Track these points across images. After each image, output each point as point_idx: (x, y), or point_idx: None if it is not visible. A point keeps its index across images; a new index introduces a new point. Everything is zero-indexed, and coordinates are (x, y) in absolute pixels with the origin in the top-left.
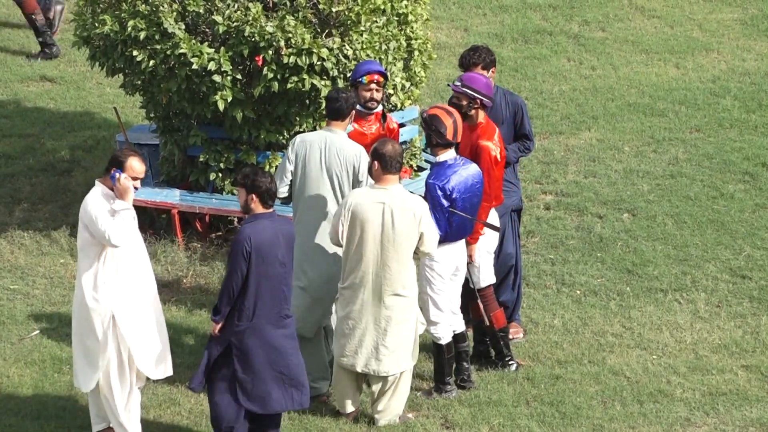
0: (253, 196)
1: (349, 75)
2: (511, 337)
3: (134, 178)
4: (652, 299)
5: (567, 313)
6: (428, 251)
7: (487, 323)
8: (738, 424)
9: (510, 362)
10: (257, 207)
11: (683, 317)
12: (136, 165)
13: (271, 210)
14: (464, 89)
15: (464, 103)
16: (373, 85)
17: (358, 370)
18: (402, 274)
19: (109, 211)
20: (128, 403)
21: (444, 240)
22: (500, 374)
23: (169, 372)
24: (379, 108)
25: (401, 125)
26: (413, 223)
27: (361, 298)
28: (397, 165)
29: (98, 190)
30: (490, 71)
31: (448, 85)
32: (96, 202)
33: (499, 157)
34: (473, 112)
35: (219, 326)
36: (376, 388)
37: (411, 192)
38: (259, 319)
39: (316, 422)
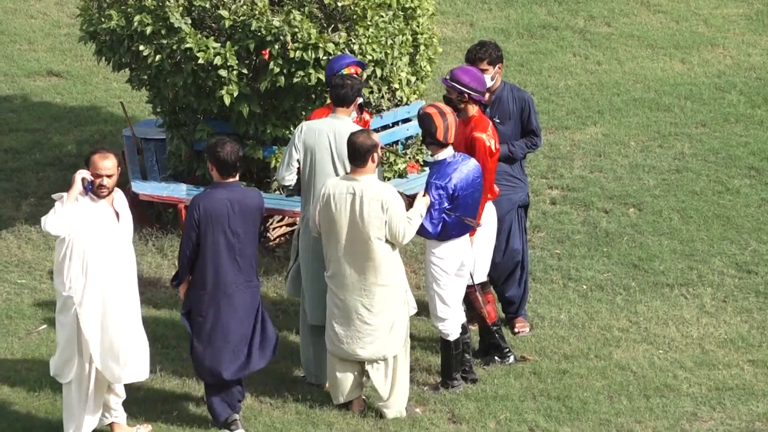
0: (211, 164)
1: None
2: (517, 331)
3: (98, 175)
4: (659, 294)
5: (573, 307)
6: (398, 240)
7: (485, 318)
8: (744, 419)
9: (508, 353)
10: (215, 176)
11: (689, 312)
12: (97, 161)
13: (230, 180)
14: (452, 83)
15: (453, 97)
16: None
17: (344, 356)
18: (377, 263)
19: (57, 204)
20: (80, 411)
21: (448, 237)
22: (507, 369)
23: (142, 377)
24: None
25: (407, 120)
26: (381, 213)
27: (342, 287)
28: (361, 158)
29: None
30: (497, 67)
31: (442, 80)
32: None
33: (493, 148)
34: (462, 105)
35: (183, 290)
36: (369, 373)
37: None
38: (215, 288)
39: (323, 416)
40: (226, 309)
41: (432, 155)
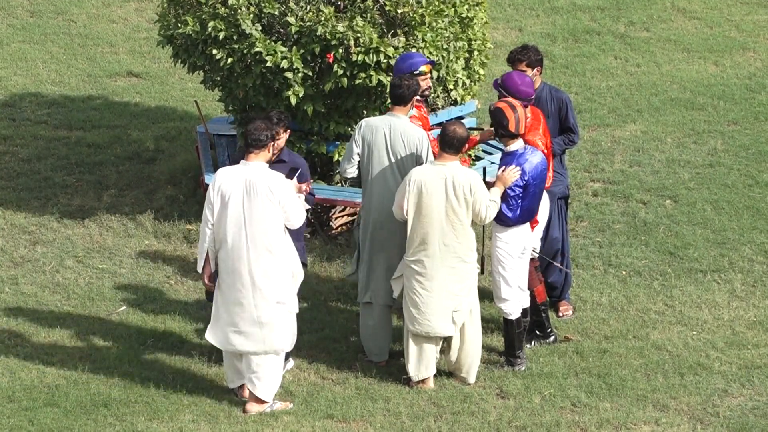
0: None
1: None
2: (561, 314)
3: None
4: (692, 279)
5: (613, 291)
6: (482, 219)
7: (535, 297)
8: None
9: (550, 333)
10: (277, 150)
11: (721, 296)
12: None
13: None
14: (503, 92)
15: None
16: (427, 74)
17: (435, 335)
18: (463, 241)
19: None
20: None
21: (513, 224)
22: (551, 348)
23: None
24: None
25: (460, 118)
26: (469, 195)
27: (431, 267)
28: (455, 146)
29: (265, 165)
30: (536, 69)
31: (496, 91)
32: (288, 183)
33: (545, 149)
34: None
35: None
36: (454, 346)
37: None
38: None
39: (381, 391)
40: None
41: (505, 147)
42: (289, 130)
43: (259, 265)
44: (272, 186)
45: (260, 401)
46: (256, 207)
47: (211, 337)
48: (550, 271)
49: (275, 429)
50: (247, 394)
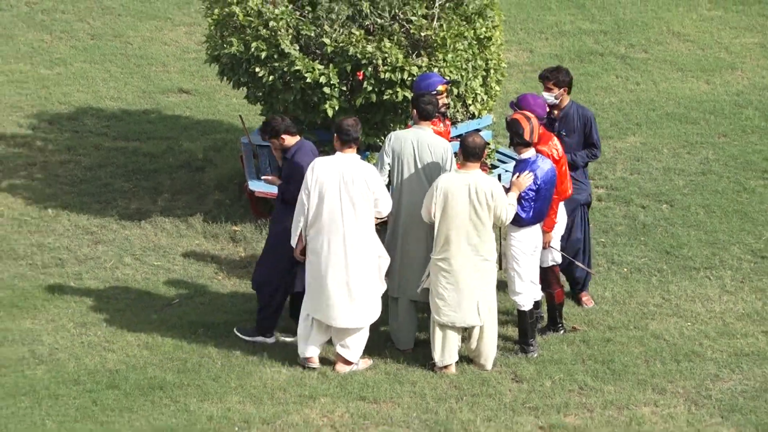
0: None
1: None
2: (584, 303)
3: None
4: (687, 276)
5: (616, 287)
6: (502, 221)
7: (553, 298)
8: (758, 380)
9: (560, 328)
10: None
11: (713, 291)
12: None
13: None
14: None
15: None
16: (444, 93)
17: (460, 325)
18: (485, 241)
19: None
20: None
21: (526, 224)
22: (561, 338)
23: None
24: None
25: (478, 130)
26: (491, 200)
27: (456, 264)
28: (477, 154)
29: (358, 156)
30: (562, 89)
31: (511, 106)
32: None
33: (556, 155)
34: None
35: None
36: (474, 336)
37: None
38: None
39: (408, 376)
40: None
41: (519, 155)
42: (286, 134)
43: (354, 248)
44: (368, 178)
45: (348, 362)
46: (352, 196)
47: (309, 308)
48: (573, 268)
49: (313, 409)
50: (315, 362)
